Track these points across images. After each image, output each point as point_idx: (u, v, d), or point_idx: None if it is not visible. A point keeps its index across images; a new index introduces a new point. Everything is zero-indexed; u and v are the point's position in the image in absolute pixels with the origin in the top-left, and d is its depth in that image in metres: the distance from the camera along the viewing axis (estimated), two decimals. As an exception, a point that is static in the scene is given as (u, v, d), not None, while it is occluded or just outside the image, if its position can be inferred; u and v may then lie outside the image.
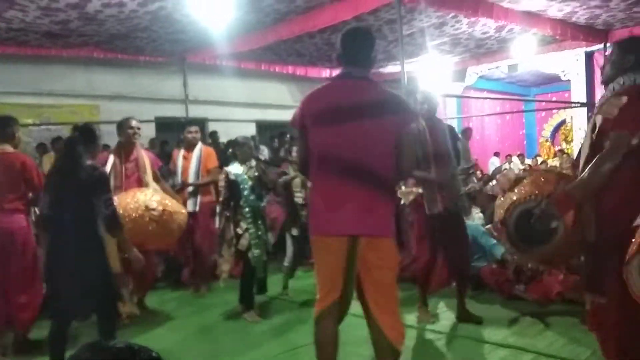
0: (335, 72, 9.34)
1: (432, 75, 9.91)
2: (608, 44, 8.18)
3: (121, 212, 3.60)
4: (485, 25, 7.27)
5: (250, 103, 11.06)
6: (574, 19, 7.07)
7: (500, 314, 3.98)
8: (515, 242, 2.94)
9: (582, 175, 2.25)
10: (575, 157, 2.64)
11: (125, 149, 4.31)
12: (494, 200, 5.93)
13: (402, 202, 3.98)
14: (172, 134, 9.91)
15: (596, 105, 2.40)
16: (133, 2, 5.37)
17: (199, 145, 5.19)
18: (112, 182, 3.95)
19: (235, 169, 4.16)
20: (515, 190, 2.83)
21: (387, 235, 2.32)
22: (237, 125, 9.63)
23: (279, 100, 11.23)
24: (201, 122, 9.99)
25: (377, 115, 2.28)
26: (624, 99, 2.16)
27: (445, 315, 4.07)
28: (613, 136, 2.13)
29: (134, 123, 4.34)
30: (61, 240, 2.82)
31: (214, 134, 9.39)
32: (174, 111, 9.23)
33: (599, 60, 9.75)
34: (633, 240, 1.92)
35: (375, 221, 2.28)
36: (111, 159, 4.25)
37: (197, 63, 8.35)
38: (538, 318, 3.79)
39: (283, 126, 9.30)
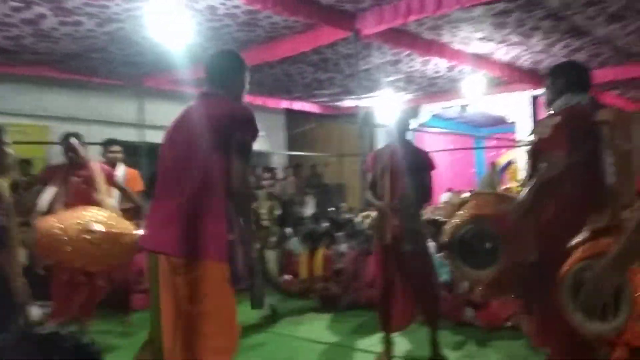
0: (295, 103, 9.38)
1: (387, 111, 10.20)
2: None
3: (61, 232, 3.49)
4: (437, 65, 7.61)
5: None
6: (519, 63, 7.51)
7: (449, 339, 4.05)
8: (459, 266, 2.84)
9: (520, 196, 2.35)
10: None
11: (72, 165, 4.16)
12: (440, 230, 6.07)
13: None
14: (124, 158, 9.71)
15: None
16: (90, 21, 5.34)
17: (122, 166, 4.95)
18: (47, 199, 3.86)
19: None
20: (459, 212, 2.84)
21: (195, 258, 2.06)
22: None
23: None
24: (155, 147, 9.88)
25: (205, 132, 2.16)
26: (557, 118, 2.30)
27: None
28: (548, 157, 2.23)
29: (71, 140, 4.19)
30: None
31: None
32: (127, 135, 9.06)
33: (543, 104, 10.33)
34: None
35: (176, 240, 2.06)
36: (59, 174, 4.09)
37: (153, 87, 8.30)
38: (485, 343, 3.88)
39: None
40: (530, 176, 2.37)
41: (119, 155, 5.08)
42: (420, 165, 3.64)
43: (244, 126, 2.19)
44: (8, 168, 2.79)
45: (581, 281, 1.69)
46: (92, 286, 4.09)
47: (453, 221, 2.89)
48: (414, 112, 12.11)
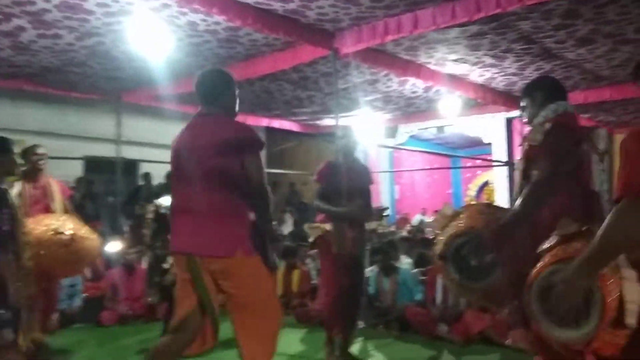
0: (275, 121, 9.42)
1: (365, 130, 10.32)
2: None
3: (33, 237, 3.47)
4: (414, 85, 7.77)
5: (185, 148, 10.97)
6: (493, 85, 7.71)
7: (424, 353, 4.07)
8: (454, 278, 2.75)
9: (514, 206, 2.32)
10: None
11: (31, 176, 4.18)
12: (418, 246, 6.14)
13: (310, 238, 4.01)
14: (100, 174, 9.61)
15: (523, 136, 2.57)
16: (70, 35, 5.33)
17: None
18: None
19: (166, 200, 4.12)
20: (453, 224, 2.76)
21: (229, 255, 2.38)
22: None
23: (215, 146, 11.24)
24: (133, 163, 9.80)
25: (214, 146, 2.43)
26: (547, 125, 2.32)
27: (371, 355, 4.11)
28: (540, 164, 2.21)
29: (40, 150, 4.26)
30: None
31: (147, 175, 9.19)
32: (105, 151, 9.00)
33: (517, 126, 10.59)
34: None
35: (208, 241, 2.39)
36: (17, 186, 4.09)
37: (132, 103, 8.27)
38: (459, 357, 3.91)
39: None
40: (522, 184, 2.36)
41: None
42: (365, 180, 3.98)
43: (252, 142, 2.49)
44: (15, 176, 2.95)
45: (550, 286, 1.66)
46: (51, 295, 4.07)
47: (447, 232, 2.80)
48: (391, 132, 12.30)
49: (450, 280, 2.73)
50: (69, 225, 3.85)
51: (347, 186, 3.77)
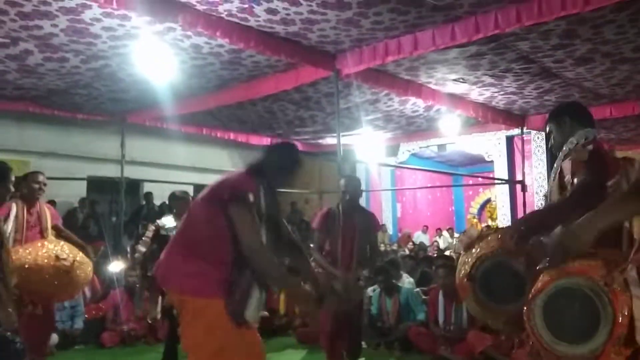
0: (276, 140, 9.48)
1: (366, 149, 10.39)
2: (525, 129, 9.01)
3: (31, 262, 3.50)
4: (415, 104, 7.84)
5: (188, 166, 11.06)
6: (493, 103, 7.78)
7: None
8: (481, 300, 2.62)
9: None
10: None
11: (27, 201, 4.11)
12: (421, 265, 6.12)
13: None
14: (104, 194, 9.67)
15: (558, 159, 2.48)
16: (76, 58, 5.43)
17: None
18: (12, 234, 3.84)
19: (168, 221, 4.15)
20: (482, 245, 2.64)
21: (177, 290, 2.30)
22: (173, 188, 9.54)
23: (218, 165, 11.31)
24: (136, 183, 9.86)
25: (204, 196, 2.41)
26: (590, 146, 2.29)
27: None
28: (584, 177, 2.18)
29: (40, 178, 4.19)
30: None
31: (148, 195, 9.24)
32: (108, 171, 9.07)
33: (518, 143, 10.64)
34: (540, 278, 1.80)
35: (167, 272, 2.34)
36: (14, 209, 4.02)
37: (136, 123, 8.35)
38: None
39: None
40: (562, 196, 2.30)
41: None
42: (369, 226, 3.88)
43: (234, 192, 2.30)
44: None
45: (557, 302, 1.65)
46: (48, 319, 4.06)
47: (475, 253, 2.69)
48: (393, 150, 12.36)
49: (476, 302, 2.60)
50: (67, 251, 3.86)
51: (350, 234, 3.68)
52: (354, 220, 3.76)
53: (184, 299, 2.24)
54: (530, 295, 1.76)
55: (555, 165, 2.49)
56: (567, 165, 2.33)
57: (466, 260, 2.66)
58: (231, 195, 2.28)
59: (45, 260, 3.67)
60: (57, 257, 3.73)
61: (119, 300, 5.92)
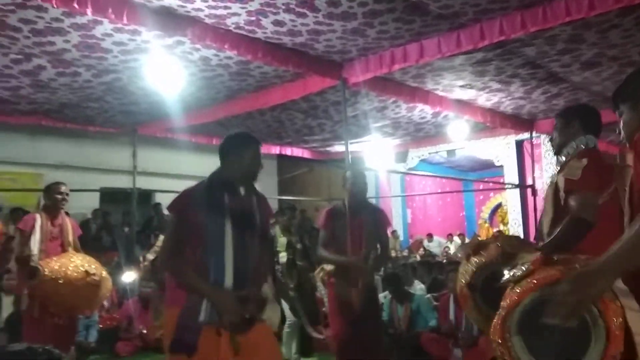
0: (286, 148, 9.49)
1: (375, 156, 10.41)
2: (534, 133, 8.99)
3: (63, 276, 3.60)
4: (422, 111, 7.86)
5: (199, 176, 11.05)
6: (501, 109, 7.78)
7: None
8: (482, 308, 2.58)
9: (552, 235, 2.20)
10: (537, 224, 2.68)
11: (51, 213, 4.19)
12: (432, 271, 6.13)
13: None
14: (116, 205, 9.77)
15: (557, 163, 2.51)
16: (88, 72, 5.53)
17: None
18: (37, 245, 3.92)
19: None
20: (482, 253, 2.63)
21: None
22: (184, 198, 9.63)
23: (228, 175, 11.39)
24: (148, 194, 9.96)
25: None
26: (585, 160, 2.27)
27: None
28: (580, 197, 2.16)
29: (63, 188, 4.24)
30: None
31: (157, 206, 9.32)
32: (120, 182, 9.18)
33: (528, 147, 10.61)
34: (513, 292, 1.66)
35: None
36: (39, 220, 4.11)
37: (147, 135, 8.46)
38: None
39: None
40: (556, 217, 2.30)
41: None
42: (378, 223, 3.73)
43: (169, 206, 2.50)
44: None
45: (534, 315, 1.46)
46: (71, 330, 4.14)
47: (476, 261, 2.68)
48: (402, 157, 12.36)
49: (478, 310, 2.57)
50: (94, 267, 3.99)
51: (357, 232, 3.56)
52: (361, 217, 3.60)
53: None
54: (502, 315, 1.56)
55: (554, 172, 2.51)
56: (561, 181, 2.34)
57: (467, 269, 2.66)
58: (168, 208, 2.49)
59: (75, 274, 3.80)
60: (87, 273, 3.85)
61: (132, 310, 5.99)
